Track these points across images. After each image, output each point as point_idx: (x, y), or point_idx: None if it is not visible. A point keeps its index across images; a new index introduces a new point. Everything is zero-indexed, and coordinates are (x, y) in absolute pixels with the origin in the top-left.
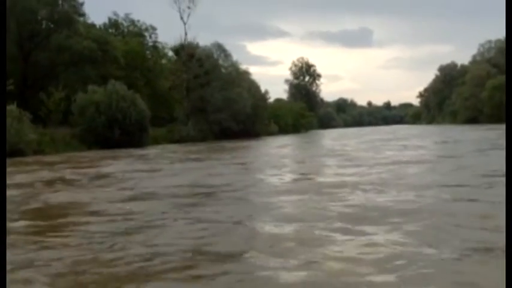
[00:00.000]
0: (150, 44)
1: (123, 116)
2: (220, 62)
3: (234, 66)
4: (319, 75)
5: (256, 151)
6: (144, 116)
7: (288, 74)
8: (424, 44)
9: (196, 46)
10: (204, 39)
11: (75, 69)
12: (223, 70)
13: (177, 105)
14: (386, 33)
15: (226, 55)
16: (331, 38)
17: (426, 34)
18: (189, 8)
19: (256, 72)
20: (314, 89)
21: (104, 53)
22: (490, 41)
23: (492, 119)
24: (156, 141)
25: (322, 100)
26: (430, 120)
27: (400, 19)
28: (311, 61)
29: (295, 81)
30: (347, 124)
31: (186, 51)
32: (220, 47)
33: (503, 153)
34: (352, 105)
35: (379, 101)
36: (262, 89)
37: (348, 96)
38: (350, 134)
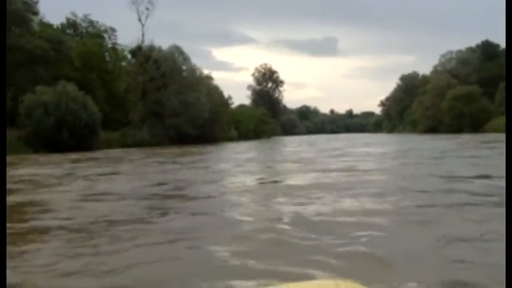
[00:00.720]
0: (110, 45)
1: (72, 118)
2: (180, 65)
3: (193, 70)
4: (282, 82)
5: (206, 156)
6: (95, 119)
7: (252, 80)
8: (388, 54)
9: (154, 48)
10: (168, 44)
11: (27, 69)
12: (185, 74)
13: (133, 108)
14: (352, 43)
15: (185, 58)
16: (297, 46)
17: (390, 44)
18: (147, 9)
19: (221, 78)
20: (277, 95)
21: (58, 53)
22: (451, 52)
23: (451, 129)
24: (109, 145)
25: (285, 107)
26: (391, 129)
27: (365, 29)
28: (274, 68)
29: (258, 88)
30: (310, 131)
31: (143, 53)
32: (178, 50)
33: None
34: (315, 112)
35: (342, 109)
36: (226, 94)
37: (313, 103)
38: (310, 141)
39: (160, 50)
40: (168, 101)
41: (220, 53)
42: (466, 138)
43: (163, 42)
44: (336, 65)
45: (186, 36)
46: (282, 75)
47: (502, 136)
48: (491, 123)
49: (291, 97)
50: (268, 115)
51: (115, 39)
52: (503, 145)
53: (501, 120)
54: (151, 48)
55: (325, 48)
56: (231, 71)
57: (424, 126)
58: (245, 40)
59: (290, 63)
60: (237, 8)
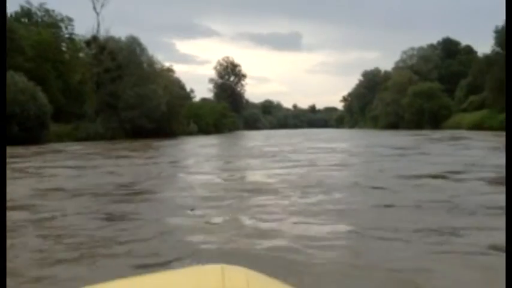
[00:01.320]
0: (67, 35)
1: (21, 110)
2: (137, 57)
3: (151, 61)
4: (244, 76)
5: (155, 152)
6: (45, 111)
7: (214, 74)
8: (352, 50)
9: (109, 39)
10: (129, 34)
11: None
12: (145, 66)
13: (87, 100)
14: (316, 38)
15: (142, 49)
16: (261, 40)
17: (354, 41)
18: None
19: (185, 71)
20: (239, 89)
21: (10, 43)
22: (412, 48)
23: (411, 125)
24: (60, 139)
25: (247, 101)
26: (353, 125)
27: (329, 25)
28: (237, 61)
29: (220, 81)
30: (272, 126)
31: (98, 44)
32: (135, 41)
33: None
34: (278, 107)
35: (305, 104)
36: (189, 88)
37: (276, 98)
38: (269, 136)
39: (116, 40)
40: (124, 93)
41: (184, 46)
42: (423, 134)
43: (124, 34)
44: (299, 60)
45: (148, 28)
46: (245, 69)
47: (460, 132)
48: (451, 120)
49: (254, 91)
50: (230, 109)
51: (72, 29)
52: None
53: (460, 118)
54: (107, 38)
55: (289, 43)
56: (195, 64)
57: (385, 122)
58: (209, 33)
59: (254, 57)
60: (201, 1)
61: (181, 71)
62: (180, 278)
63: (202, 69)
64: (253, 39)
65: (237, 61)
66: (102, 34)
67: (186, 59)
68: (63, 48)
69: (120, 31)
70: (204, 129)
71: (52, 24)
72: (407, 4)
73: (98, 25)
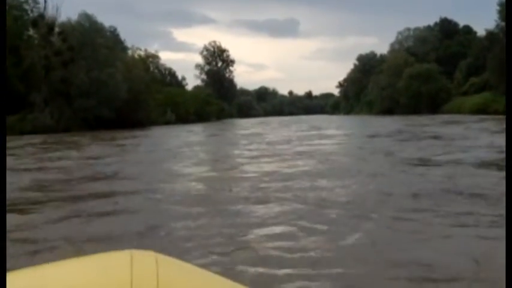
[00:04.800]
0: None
1: None
2: (93, 38)
3: (110, 42)
4: (232, 61)
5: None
6: None
7: (200, 59)
8: (349, 35)
9: (56, 18)
10: (128, 24)
11: None
12: (103, 48)
13: (35, 87)
14: (313, 24)
15: (98, 29)
16: (258, 27)
17: (351, 26)
18: None
19: (182, 59)
20: (227, 75)
21: None
22: (408, 29)
23: (408, 110)
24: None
25: (241, 88)
26: (349, 111)
27: (326, 11)
28: (225, 46)
29: (208, 67)
30: (267, 113)
31: (45, 23)
32: (90, 19)
33: None
34: (274, 94)
35: (302, 90)
36: (187, 76)
37: (273, 85)
38: (254, 125)
39: (67, 19)
40: (76, 78)
41: (181, 34)
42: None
43: (123, 23)
44: (296, 46)
45: (144, 16)
46: (242, 56)
47: (460, 117)
48: (450, 104)
49: (251, 78)
50: (218, 96)
51: (38, 11)
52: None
53: (461, 101)
54: (53, 17)
55: (286, 29)
56: (192, 52)
57: (380, 107)
58: (205, 20)
59: (251, 45)
60: None
61: (180, 59)
62: (86, 265)
63: (200, 58)
64: (250, 26)
65: (226, 46)
66: (53, 13)
67: (183, 47)
68: (30, 33)
69: (111, 19)
70: (184, 118)
71: (15, 6)
72: None
73: (45, 1)
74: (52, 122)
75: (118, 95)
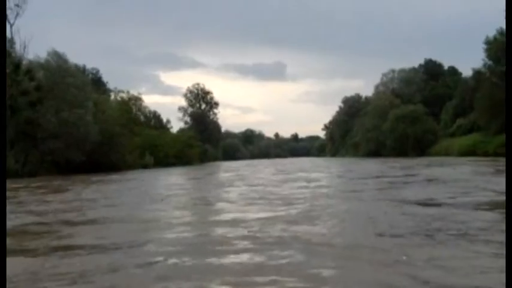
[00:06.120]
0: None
1: None
2: (63, 77)
3: (81, 82)
4: (216, 103)
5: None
6: None
7: (184, 101)
8: (335, 78)
9: (24, 56)
10: (116, 67)
11: None
12: (73, 88)
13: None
14: (300, 68)
15: (67, 69)
16: (246, 71)
17: (337, 69)
18: (17, 6)
19: (170, 102)
20: (211, 117)
21: None
22: (393, 71)
23: (394, 152)
24: None
25: (224, 130)
26: (334, 153)
27: (313, 54)
28: (208, 88)
29: (191, 109)
30: (254, 156)
31: (12, 61)
32: (60, 58)
33: None
34: (260, 136)
35: (288, 133)
36: (172, 119)
37: (259, 128)
38: (238, 167)
39: (36, 57)
40: (44, 119)
41: (169, 77)
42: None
43: (111, 66)
44: (283, 89)
45: (133, 60)
46: (230, 100)
47: (447, 160)
48: (438, 145)
49: (239, 121)
50: (202, 139)
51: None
52: None
53: (449, 143)
54: (21, 55)
55: (273, 72)
56: (180, 95)
57: (366, 149)
58: (194, 64)
59: (239, 88)
60: (185, 32)
61: (167, 102)
62: None
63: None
64: (238, 69)
65: (213, 89)
66: (21, 51)
67: (170, 91)
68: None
69: (103, 63)
70: (163, 162)
71: None
72: (388, 32)
73: (12, 37)
74: (17, 166)
75: (88, 136)
